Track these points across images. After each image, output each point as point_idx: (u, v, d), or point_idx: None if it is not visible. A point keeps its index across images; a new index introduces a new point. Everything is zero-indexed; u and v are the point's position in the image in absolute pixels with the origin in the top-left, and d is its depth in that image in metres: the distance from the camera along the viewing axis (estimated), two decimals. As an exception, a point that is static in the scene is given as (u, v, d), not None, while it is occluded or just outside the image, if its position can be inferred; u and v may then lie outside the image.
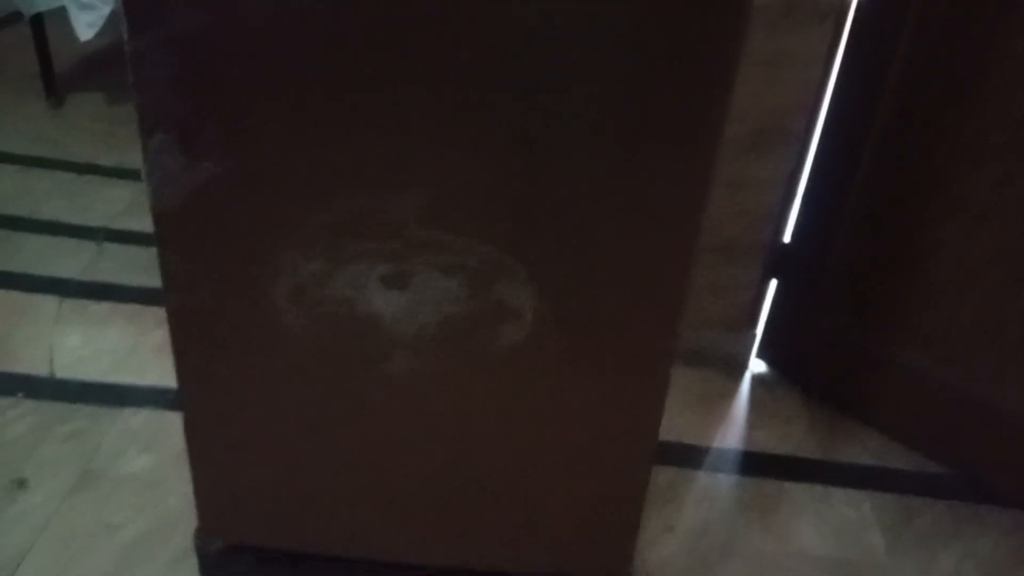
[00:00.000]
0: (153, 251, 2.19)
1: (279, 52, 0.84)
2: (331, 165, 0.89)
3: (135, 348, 1.83)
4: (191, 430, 1.11)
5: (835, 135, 1.66)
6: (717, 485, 1.67)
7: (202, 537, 1.23)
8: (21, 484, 1.50)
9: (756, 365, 1.95)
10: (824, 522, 1.58)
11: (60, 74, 2.84)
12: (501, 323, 0.99)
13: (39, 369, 1.76)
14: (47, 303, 1.93)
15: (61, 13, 2.56)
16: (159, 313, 1.89)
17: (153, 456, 1.57)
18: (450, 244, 0.94)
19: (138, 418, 1.66)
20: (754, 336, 1.91)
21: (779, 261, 1.81)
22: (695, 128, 0.89)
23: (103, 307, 1.94)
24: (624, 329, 1.01)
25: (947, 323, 1.61)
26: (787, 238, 1.79)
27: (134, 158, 2.53)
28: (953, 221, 1.55)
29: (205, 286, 0.98)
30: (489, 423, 1.08)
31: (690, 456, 1.72)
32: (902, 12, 1.49)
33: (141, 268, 2.04)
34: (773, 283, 1.86)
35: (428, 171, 0.90)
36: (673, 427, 1.76)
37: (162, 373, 1.75)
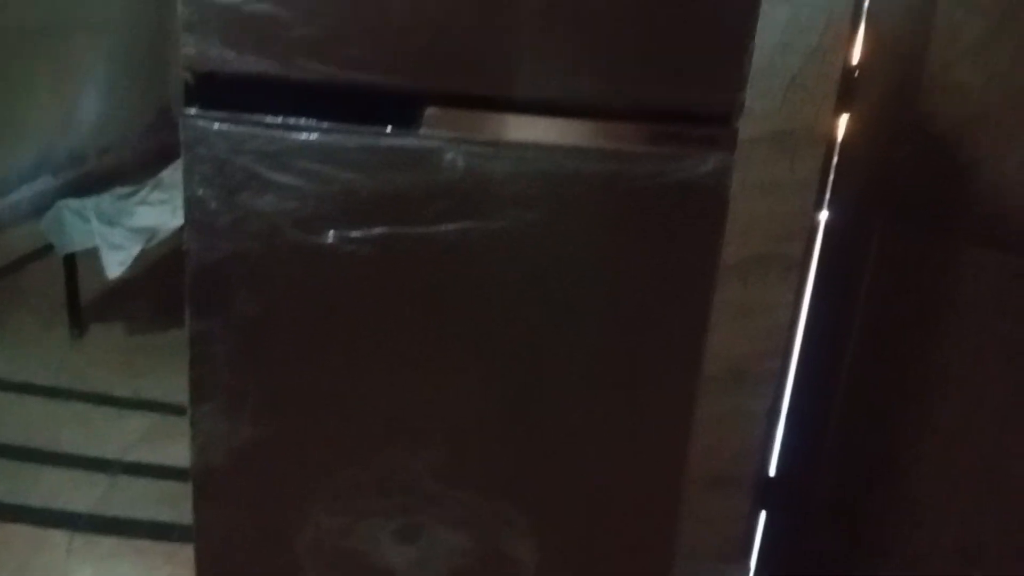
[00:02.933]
0: (164, 484, 2.25)
1: (319, 335, 0.99)
2: (359, 430, 1.01)
3: (144, 583, 1.86)
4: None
5: (809, 371, 1.80)
6: None
7: None
8: None
9: (752, 596, 1.98)
10: None
11: (84, 304, 3.02)
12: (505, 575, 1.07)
13: (49, 606, 1.79)
14: (59, 538, 1.98)
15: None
16: (168, 549, 1.97)
17: None
18: (459, 499, 1.04)
19: (143, 657, 1.67)
20: (748, 567, 1.96)
21: (766, 494, 1.89)
22: (670, 395, 1.04)
23: (113, 542, 1.99)
24: None
25: (930, 542, 1.67)
26: (773, 471, 1.89)
27: (150, 387, 2.66)
28: (929, 441, 1.65)
29: (234, 537, 1.07)
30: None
31: None
32: (862, 260, 1.68)
33: (152, 501, 2.10)
34: (763, 515, 1.93)
35: (443, 434, 1.02)
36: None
37: (169, 610, 1.78)
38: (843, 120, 1.63)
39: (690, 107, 0.92)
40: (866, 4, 1.56)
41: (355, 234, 0.94)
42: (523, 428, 1.03)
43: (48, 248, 3.10)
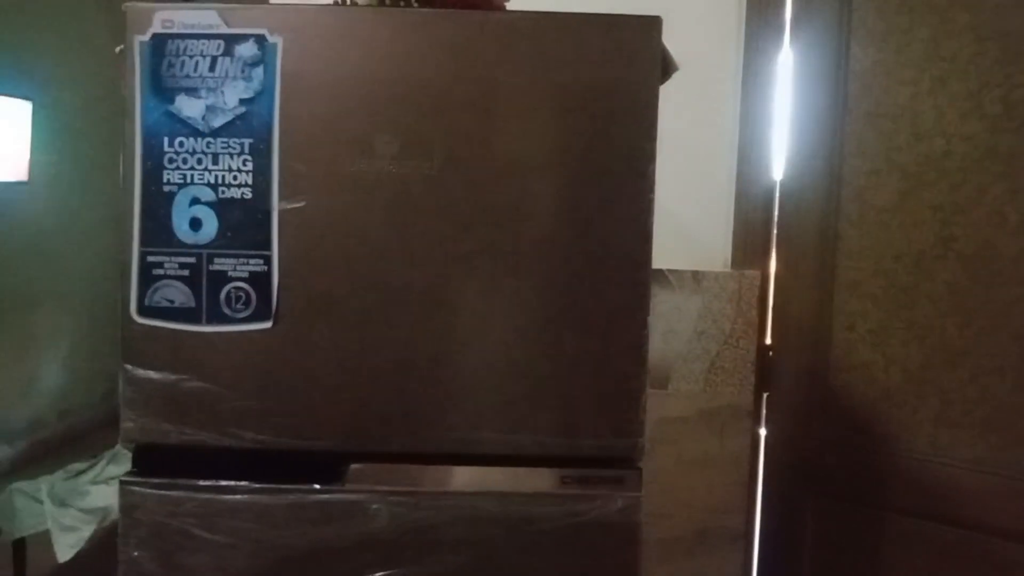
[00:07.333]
0: None
1: None
2: None
3: None
4: None
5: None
6: None
7: None
8: None
9: None
10: None
11: (31, 586, 2.91)
12: None
13: None
14: None
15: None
16: None
17: None
18: None
19: None
20: None
21: None
22: None
23: None
24: None
25: None
26: None
27: None
28: None
29: None
30: None
31: None
32: (802, 532, 1.71)
33: None
34: None
35: None
36: None
37: None
38: (765, 398, 1.73)
39: (596, 453, 1.00)
40: (771, 292, 1.71)
41: (286, 588, 0.98)
42: None
43: (-5, 525, 3.03)
